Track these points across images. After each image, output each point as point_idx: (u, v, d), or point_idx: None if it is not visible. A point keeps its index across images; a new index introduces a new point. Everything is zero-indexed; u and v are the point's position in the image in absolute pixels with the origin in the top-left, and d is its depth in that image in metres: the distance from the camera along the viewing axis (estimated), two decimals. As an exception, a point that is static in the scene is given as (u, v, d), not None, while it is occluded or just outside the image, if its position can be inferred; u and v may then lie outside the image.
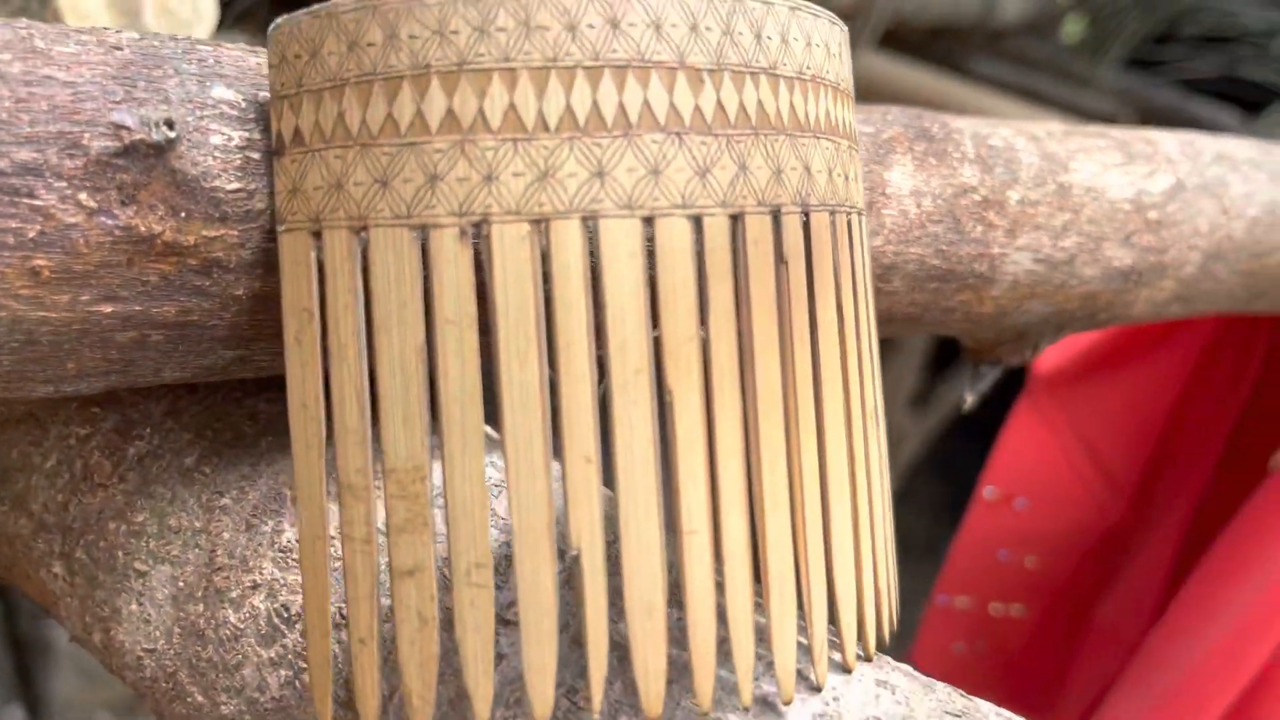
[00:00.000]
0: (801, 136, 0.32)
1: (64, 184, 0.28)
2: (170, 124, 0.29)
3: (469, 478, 0.29)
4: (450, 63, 0.28)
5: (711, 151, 0.30)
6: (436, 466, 0.30)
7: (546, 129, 0.28)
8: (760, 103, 0.31)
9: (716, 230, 0.30)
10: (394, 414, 0.29)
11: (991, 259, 0.46)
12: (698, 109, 0.30)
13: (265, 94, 0.32)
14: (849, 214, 0.34)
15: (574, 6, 0.29)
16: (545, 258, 0.29)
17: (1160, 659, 0.75)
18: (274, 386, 0.37)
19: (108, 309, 0.30)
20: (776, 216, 0.31)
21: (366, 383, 0.30)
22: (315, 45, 0.30)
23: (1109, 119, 1.79)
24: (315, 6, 0.30)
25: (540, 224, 0.29)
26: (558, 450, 0.29)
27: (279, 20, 0.31)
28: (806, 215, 0.32)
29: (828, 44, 0.33)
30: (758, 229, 0.31)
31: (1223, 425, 0.78)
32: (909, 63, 1.61)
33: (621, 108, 0.29)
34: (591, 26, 0.29)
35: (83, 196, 0.29)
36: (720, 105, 0.30)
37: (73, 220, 0.29)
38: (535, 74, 0.28)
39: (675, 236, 0.29)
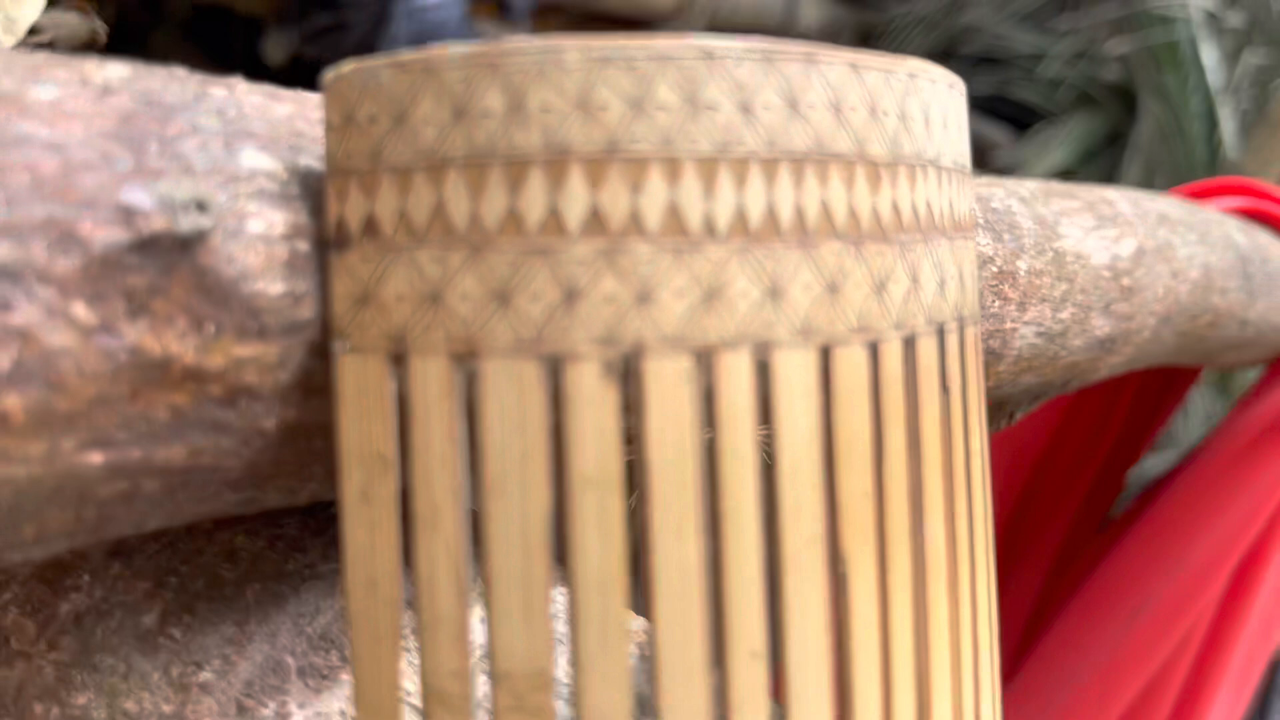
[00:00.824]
0: (957, 237, 0.27)
1: (52, 292, 0.20)
2: (203, 205, 0.21)
3: (611, 685, 0.22)
4: (597, 146, 0.22)
5: (887, 262, 0.24)
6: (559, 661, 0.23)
7: (714, 236, 0.22)
8: (929, 201, 0.26)
9: (892, 358, 0.25)
10: (509, 601, 0.22)
11: (1004, 334, 0.43)
12: (875, 210, 0.24)
13: (308, 160, 0.24)
14: (978, 323, 0.29)
15: (749, 80, 0.22)
16: (707, 399, 0.23)
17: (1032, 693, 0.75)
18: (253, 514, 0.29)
19: (96, 459, 0.22)
20: (941, 336, 0.26)
21: (468, 558, 0.22)
22: (403, 108, 0.22)
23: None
24: (401, 55, 0.22)
25: (703, 356, 0.22)
26: (718, 644, 0.23)
27: (342, 68, 0.23)
28: (962, 331, 0.27)
29: (962, 122, 0.28)
30: (929, 353, 0.26)
31: (1086, 475, 0.79)
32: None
33: (799, 210, 0.23)
34: (768, 108, 0.23)
35: (77, 309, 0.20)
36: (895, 205, 0.25)
37: (62, 343, 0.20)
38: (703, 165, 0.22)
39: (853, 368, 0.24)
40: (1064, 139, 1.95)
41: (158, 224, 0.21)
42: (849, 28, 1.92)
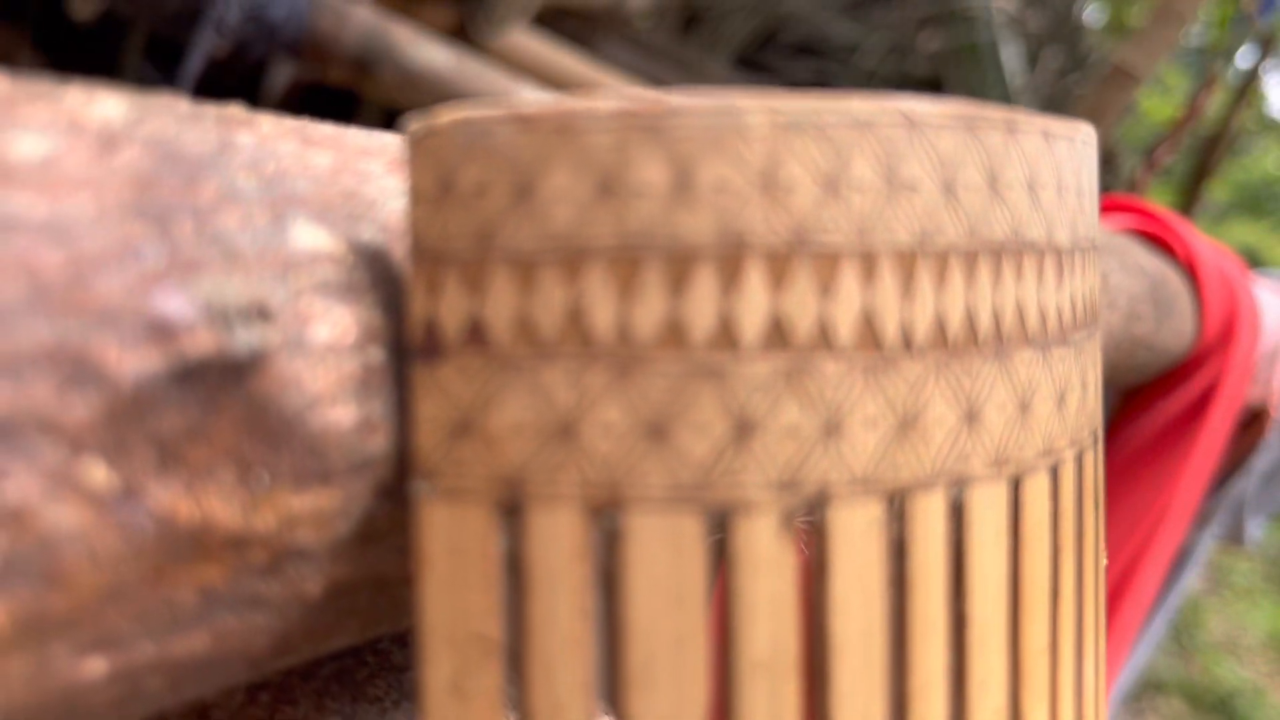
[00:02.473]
0: (1096, 327, 0.23)
1: (61, 450, 0.13)
2: (265, 313, 0.15)
3: None
4: (781, 237, 0.17)
5: (1067, 368, 0.20)
6: None
7: (909, 349, 0.18)
8: (1091, 289, 0.22)
9: (1068, 480, 0.21)
10: (659, 820, 0.17)
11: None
12: (1059, 308, 0.20)
13: (371, 231, 0.18)
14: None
15: (952, 153, 0.18)
16: (899, 550, 0.18)
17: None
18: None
19: (97, 666, 0.15)
20: (1096, 444, 0.22)
21: (603, 765, 0.17)
22: (528, 178, 0.16)
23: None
24: (525, 106, 0.17)
25: (894, 499, 0.18)
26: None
27: (436, 119, 0.17)
28: (1096, 446, 0.23)
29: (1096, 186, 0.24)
30: (1090, 468, 0.22)
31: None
32: (550, 41, 1.54)
33: (996, 313, 0.19)
34: (969, 188, 0.18)
35: (93, 472, 0.14)
36: (1073, 299, 0.21)
37: (68, 523, 0.14)
38: (901, 260, 0.17)
39: (1040, 499, 0.20)
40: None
41: (204, 343, 0.14)
42: (674, 11, 1.89)
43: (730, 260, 0.17)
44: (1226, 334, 0.70)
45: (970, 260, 0.18)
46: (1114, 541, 0.71)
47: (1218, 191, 3.16)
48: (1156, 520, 0.72)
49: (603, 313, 0.17)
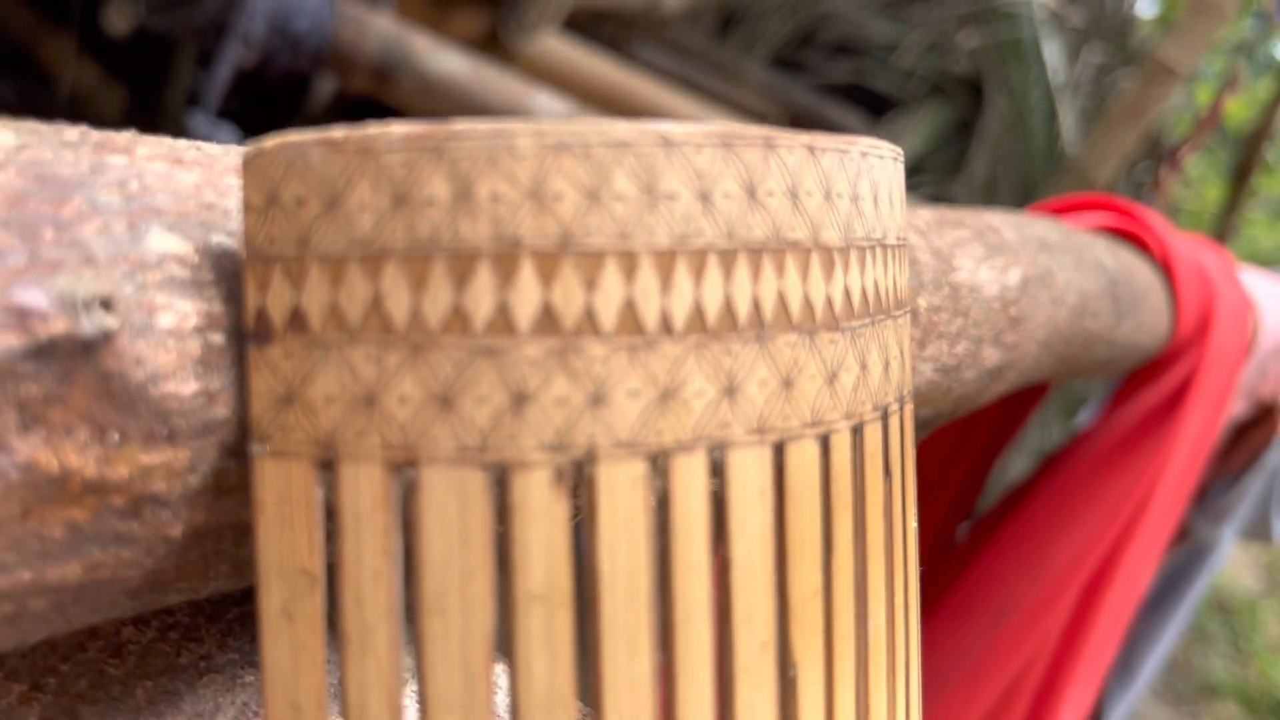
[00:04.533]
0: (899, 315, 0.26)
1: (-66, 409, 0.17)
2: (108, 303, 0.19)
3: (561, 808, 0.21)
4: (550, 240, 0.20)
5: (839, 351, 0.24)
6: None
7: (670, 333, 0.21)
8: (876, 283, 0.25)
9: (842, 449, 0.24)
10: (450, 725, 0.21)
11: (905, 372, 0.43)
12: (828, 299, 0.23)
13: (220, 238, 0.21)
14: (913, 398, 0.29)
15: (709, 167, 0.21)
16: (661, 504, 0.21)
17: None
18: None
19: (-19, 583, 0.19)
20: (885, 419, 0.25)
21: (402, 682, 0.21)
22: (336, 191, 0.20)
23: (759, 114, 1.85)
24: (334, 131, 0.20)
25: (657, 459, 0.21)
26: (669, 757, 0.22)
27: (265, 142, 0.21)
28: (902, 410, 0.26)
29: (902, 193, 0.27)
30: (874, 439, 0.25)
31: (954, 479, 0.81)
32: (584, 46, 1.58)
33: (756, 303, 0.22)
34: (727, 196, 0.21)
35: (-36, 426, 0.18)
36: (847, 292, 0.24)
37: (-55, 464, 0.18)
38: (660, 259, 0.21)
39: (806, 464, 0.23)
40: (915, 127, 1.99)
41: (57, 326, 0.18)
42: (710, 12, 1.92)
43: (506, 259, 0.20)
44: (1203, 328, 0.72)
45: (728, 258, 0.21)
46: (1093, 530, 0.73)
47: (1277, 186, 3.10)
48: (1137, 509, 0.73)
49: (398, 303, 0.20)
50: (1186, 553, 1.15)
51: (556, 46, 1.46)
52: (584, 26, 1.67)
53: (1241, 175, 2.08)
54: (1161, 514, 0.76)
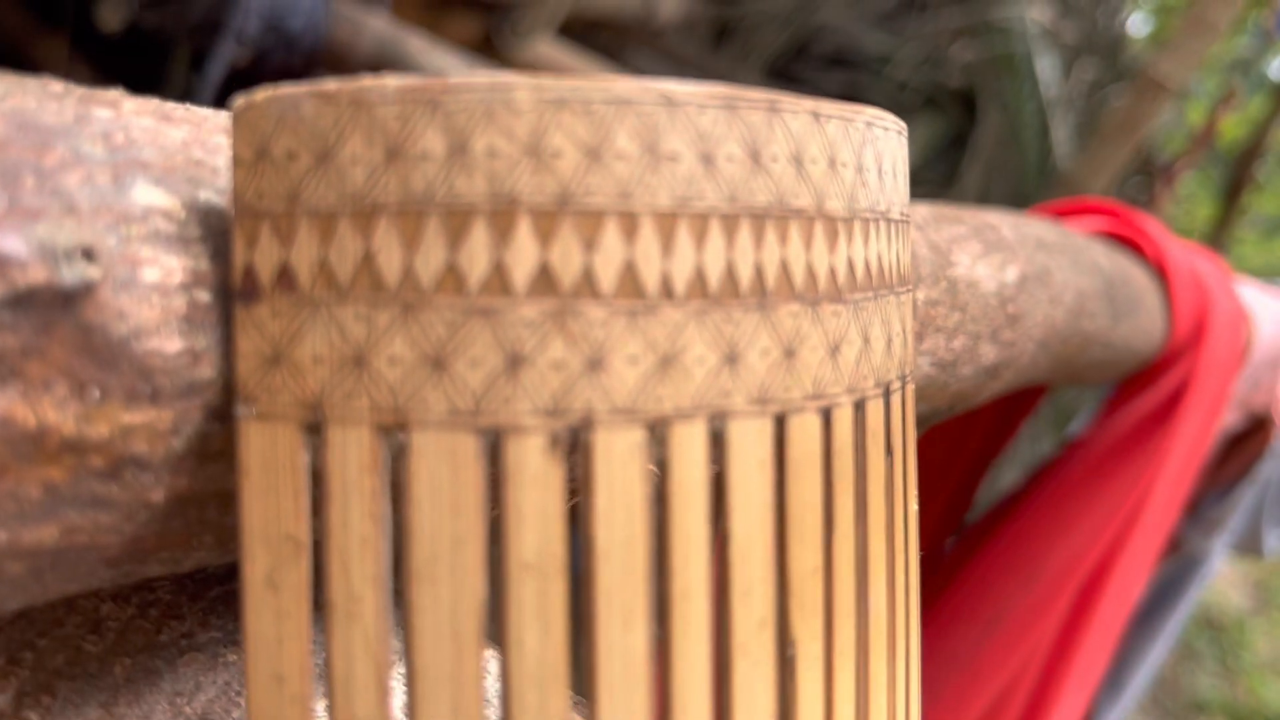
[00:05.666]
0: (902, 292, 0.26)
1: (-94, 357, 0.17)
2: (90, 254, 0.18)
3: (552, 786, 0.20)
4: (549, 197, 0.20)
5: (842, 323, 0.23)
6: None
7: (670, 297, 0.20)
8: (880, 256, 0.24)
9: (844, 423, 0.23)
10: (437, 700, 0.20)
11: (903, 366, 0.42)
12: (832, 269, 0.23)
13: (209, 195, 0.21)
14: (915, 378, 0.28)
15: (712, 128, 0.21)
16: (660, 473, 0.21)
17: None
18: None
19: (-47, 543, 0.18)
20: (887, 396, 0.25)
21: (390, 652, 0.20)
22: (327, 145, 0.20)
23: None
24: (327, 83, 0.20)
25: (656, 427, 0.20)
26: (665, 736, 0.21)
27: (254, 95, 0.20)
28: (904, 389, 0.26)
29: (906, 168, 0.27)
30: (876, 416, 0.24)
31: (947, 485, 0.81)
32: (578, 53, 1.58)
33: (759, 270, 0.21)
34: (730, 159, 0.21)
35: (-63, 375, 0.17)
36: (851, 263, 0.23)
37: (-84, 415, 0.17)
38: (661, 220, 0.20)
39: (808, 437, 0.22)
40: (909, 140, 1.99)
41: (36, 275, 0.18)
42: (705, 22, 1.92)
43: (502, 216, 0.19)
44: (1198, 334, 0.72)
45: (731, 223, 0.21)
46: (1086, 537, 0.73)
47: (1268, 205, 3.12)
48: (1130, 517, 0.73)
49: (390, 260, 0.19)
50: (1178, 564, 1.15)
51: (550, 53, 1.46)
52: (579, 34, 1.66)
53: (1233, 193, 2.09)
54: (1155, 523, 0.75)
